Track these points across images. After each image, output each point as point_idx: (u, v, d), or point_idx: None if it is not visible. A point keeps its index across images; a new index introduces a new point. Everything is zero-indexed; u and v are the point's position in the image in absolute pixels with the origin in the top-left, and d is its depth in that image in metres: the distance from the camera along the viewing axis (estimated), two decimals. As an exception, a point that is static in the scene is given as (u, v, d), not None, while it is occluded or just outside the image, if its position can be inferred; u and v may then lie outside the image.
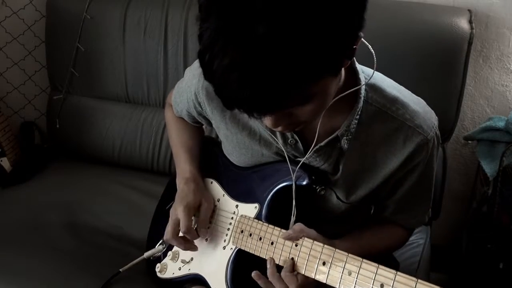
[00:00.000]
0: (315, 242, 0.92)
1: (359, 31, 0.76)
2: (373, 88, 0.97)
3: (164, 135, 1.78)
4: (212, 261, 1.10)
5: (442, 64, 1.48)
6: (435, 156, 1.03)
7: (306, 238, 0.94)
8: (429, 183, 1.08)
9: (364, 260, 0.84)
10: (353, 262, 0.85)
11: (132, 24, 1.73)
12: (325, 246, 0.90)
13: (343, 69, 0.90)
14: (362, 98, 0.95)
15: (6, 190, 1.73)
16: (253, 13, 0.66)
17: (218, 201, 1.15)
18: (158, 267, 1.21)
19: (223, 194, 1.14)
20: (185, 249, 1.10)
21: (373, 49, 0.89)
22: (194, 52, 1.69)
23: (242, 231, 1.05)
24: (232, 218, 1.09)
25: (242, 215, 1.08)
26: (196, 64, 1.12)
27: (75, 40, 1.77)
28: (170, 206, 1.26)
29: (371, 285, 0.81)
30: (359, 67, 0.95)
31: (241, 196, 1.11)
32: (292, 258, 0.94)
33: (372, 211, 1.13)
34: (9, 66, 1.95)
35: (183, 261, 1.16)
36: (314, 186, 1.00)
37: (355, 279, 0.83)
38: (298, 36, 0.67)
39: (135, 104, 1.84)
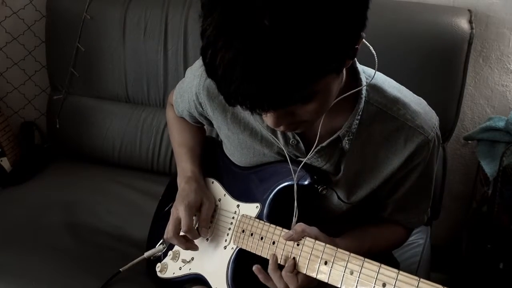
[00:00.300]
0: (316, 241, 0.92)
1: (362, 30, 0.76)
2: (374, 88, 0.97)
3: (164, 135, 1.78)
4: (213, 261, 1.10)
5: (442, 64, 1.48)
6: (435, 156, 1.03)
7: (307, 238, 0.93)
8: (429, 183, 1.08)
9: (366, 259, 0.84)
10: (355, 261, 0.85)
11: (132, 24, 1.73)
12: (327, 245, 0.90)
13: (344, 70, 0.91)
14: (363, 98, 0.95)
15: (6, 190, 1.73)
16: (258, 7, 0.66)
17: (219, 200, 1.15)
18: (158, 266, 1.21)
19: (224, 194, 1.14)
20: (186, 248, 1.10)
21: (373, 49, 0.89)
22: (194, 52, 1.69)
23: (243, 231, 1.05)
24: (233, 217, 1.09)
25: (243, 214, 1.07)
26: (197, 64, 1.12)
27: (75, 40, 1.77)
28: (171, 207, 1.27)
29: (373, 284, 0.81)
30: (360, 67, 0.95)
31: (242, 196, 1.11)
32: (294, 258, 0.94)
33: (372, 211, 1.14)
34: (9, 66, 1.94)
35: (183, 261, 1.16)
36: (316, 186, 1.00)
37: (357, 278, 0.83)
38: (303, 30, 0.67)
39: (135, 104, 1.84)
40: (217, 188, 1.17)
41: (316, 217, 1.02)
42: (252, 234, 1.03)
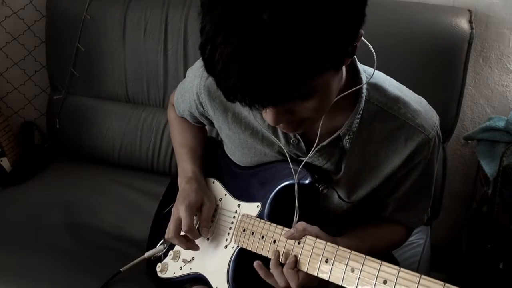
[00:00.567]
0: (317, 240, 0.92)
1: (360, 27, 0.76)
2: (374, 87, 0.97)
3: (164, 135, 1.78)
4: (213, 260, 1.10)
5: (442, 64, 1.49)
6: (436, 155, 1.03)
7: (308, 236, 0.94)
8: (429, 182, 1.08)
9: (367, 256, 0.84)
10: (356, 259, 0.85)
11: (132, 24, 1.73)
12: (328, 243, 0.90)
13: (344, 68, 0.91)
14: (364, 97, 0.95)
15: (6, 190, 1.73)
16: (257, 3, 0.67)
17: (220, 200, 1.15)
18: (159, 266, 1.21)
19: (225, 194, 1.14)
20: (187, 248, 1.10)
21: (373, 49, 0.89)
22: (194, 52, 1.70)
23: (244, 230, 1.05)
24: (234, 217, 1.09)
25: (244, 214, 1.07)
26: (197, 64, 1.12)
27: (75, 40, 1.77)
28: (171, 207, 1.26)
29: (375, 282, 0.81)
30: (360, 66, 0.95)
31: (243, 195, 1.11)
32: (295, 255, 0.94)
33: (372, 210, 1.14)
34: (9, 66, 1.94)
35: (184, 261, 1.16)
36: (317, 185, 1.00)
37: (358, 276, 0.83)
38: (301, 26, 0.67)
39: (135, 104, 1.84)
40: (218, 188, 1.17)
41: (317, 216, 1.02)
42: (253, 233, 1.03)
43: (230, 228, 1.09)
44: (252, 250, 1.02)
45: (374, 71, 0.93)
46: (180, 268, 1.17)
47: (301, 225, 0.96)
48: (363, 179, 1.02)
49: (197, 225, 1.10)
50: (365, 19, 0.76)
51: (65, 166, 1.86)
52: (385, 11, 1.51)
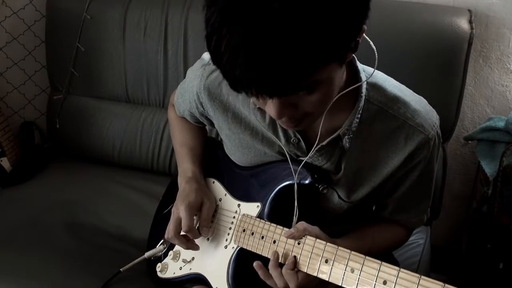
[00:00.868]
0: (317, 240, 0.92)
1: (364, 21, 0.77)
2: (374, 87, 0.97)
3: (164, 135, 1.78)
4: (213, 260, 1.10)
5: (442, 64, 1.49)
6: (436, 155, 1.03)
7: (308, 236, 0.94)
8: (429, 182, 1.08)
9: (367, 257, 0.84)
10: (356, 260, 0.85)
11: (132, 24, 1.73)
12: (328, 244, 0.90)
13: (345, 67, 0.91)
14: (364, 97, 0.95)
15: (6, 190, 1.73)
16: None
17: (220, 200, 1.15)
18: (159, 266, 1.21)
19: (225, 194, 1.14)
20: (187, 248, 1.10)
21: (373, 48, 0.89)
22: (194, 52, 1.70)
23: (244, 230, 1.05)
24: (234, 217, 1.09)
25: (244, 214, 1.07)
26: (197, 64, 1.12)
27: (75, 40, 1.77)
28: (171, 207, 1.26)
29: (374, 282, 0.81)
30: (360, 66, 0.95)
31: (243, 195, 1.11)
32: (295, 256, 0.94)
33: (372, 211, 1.14)
34: (9, 66, 1.95)
35: (184, 261, 1.16)
36: (317, 185, 1.00)
37: (358, 276, 0.83)
38: (310, 15, 0.68)
39: (135, 104, 1.84)
40: (218, 188, 1.17)
41: (316, 217, 1.02)
42: (253, 234, 1.03)
43: (230, 228, 1.09)
44: (252, 250, 1.02)
45: (374, 69, 0.93)
46: (180, 268, 1.17)
47: (302, 225, 0.96)
48: (363, 178, 1.02)
49: (197, 225, 1.10)
50: (368, 14, 0.76)
51: (65, 166, 1.86)
52: (385, 11, 1.51)
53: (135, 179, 1.77)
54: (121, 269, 1.26)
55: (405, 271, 0.78)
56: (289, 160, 1.00)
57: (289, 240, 0.96)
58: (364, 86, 0.95)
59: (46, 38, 1.86)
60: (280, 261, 0.96)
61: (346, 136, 0.96)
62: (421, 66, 1.49)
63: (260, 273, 0.97)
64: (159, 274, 1.21)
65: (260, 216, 1.05)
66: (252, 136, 1.06)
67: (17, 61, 1.95)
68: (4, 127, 1.81)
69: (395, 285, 0.78)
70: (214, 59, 0.74)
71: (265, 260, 0.98)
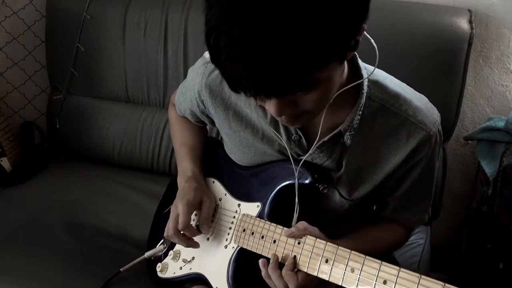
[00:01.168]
0: (317, 240, 0.92)
1: (364, 20, 0.77)
2: (376, 84, 0.97)
3: (164, 135, 1.78)
4: (213, 260, 1.10)
5: (442, 64, 1.49)
6: (437, 152, 1.03)
7: (308, 236, 0.93)
8: (430, 180, 1.08)
9: (367, 257, 0.84)
10: (356, 259, 0.85)
11: (132, 24, 1.73)
12: (328, 243, 0.90)
13: (346, 64, 0.91)
14: (365, 93, 0.95)
15: (6, 190, 1.73)
16: None
17: (220, 200, 1.15)
18: (159, 266, 1.21)
19: (225, 193, 1.14)
20: (187, 246, 1.10)
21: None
22: (194, 52, 1.70)
23: (244, 230, 1.05)
24: (234, 217, 1.09)
25: (244, 214, 1.07)
26: (199, 63, 1.13)
27: (75, 40, 1.77)
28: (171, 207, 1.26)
29: (374, 282, 0.81)
30: (362, 64, 0.96)
31: (243, 195, 1.11)
32: (295, 256, 0.94)
33: (373, 210, 1.14)
34: (9, 66, 1.95)
35: (184, 261, 1.16)
36: (317, 184, 1.00)
37: (358, 276, 0.83)
38: (309, 15, 0.68)
39: (135, 104, 1.84)
40: (218, 188, 1.17)
41: (317, 217, 1.02)
42: (253, 233, 1.03)
43: (230, 228, 1.09)
44: (252, 250, 1.02)
45: (375, 65, 0.93)
46: (180, 268, 1.17)
47: (302, 224, 0.96)
48: (364, 176, 1.02)
49: (197, 223, 1.10)
50: (368, 15, 0.76)
51: (65, 166, 1.86)
52: (385, 11, 1.51)
53: (135, 179, 1.77)
54: (121, 269, 1.26)
55: (406, 270, 0.78)
56: (291, 159, 1.00)
57: (289, 240, 0.96)
58: (366, 83, 0.95)
59: (46, 38, 1.86)
60: (280, 261, 0.96)
61: (348, 133, 0.96)
62: (421, 66, 1.49)
63: (263, 271, 0.97)
64: (159, 274, 1.21)
65: (260, 216, 1.05)
66: (253, 135, 1.06)
67: (17, 61, 1.95)
68: (4, 127, 1.81)
69: (395, 284, 0.78)
70: (213, 58, 0.74)
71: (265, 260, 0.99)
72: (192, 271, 1.15)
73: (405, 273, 0.78)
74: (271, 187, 1.05)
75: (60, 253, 1.40)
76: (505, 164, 1.42)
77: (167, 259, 1.20)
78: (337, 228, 1.05)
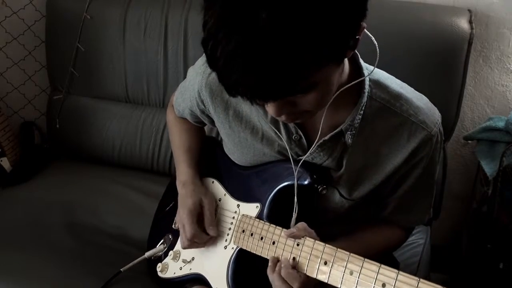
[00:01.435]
0: (316, 241, 0.92)
1: (362, 19, 0.76)
2: (377, 84, 0.97)
3: (164, 135, 1.78)
4: (213, 261, 1.10)
5: (442, 64, 1.49)
6: (438, 153, 1.03)
7: (307, 238, 0.93)
8: (431, 180, 1.08)
9: (366, 259, 0.84)
10: (355, 262, 0.85)
11: (132, 24, 1.73)
12: (327, 245, 0.90)
13: (347, 64, 0.92)
14: (366, 93, 0.95)
15: (6, 190, 1.73)
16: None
17: (220, 200, 1.15)
18: (159, 266, 1.21)
19: (224, 194, 1.14)
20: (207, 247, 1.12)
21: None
22: (194, 52, 1.69)
23: (243, 231, 1.05)
24: (233, 217, 1.09)
25: (243, 214, 1.07)
26: (199, 62, 1.12)
27: (75, 40, 1.77)
28: (171, 206, 1.27)
29: (373, 285, 0.81)
30: (363, 64, 0.96)
31: (242, 195, 1.11)
32: (294, 258, 0.94)
33: (373, 210, 1.13)
34: (9, 66, 1.94)
35: (184, 261, 1.17)
36: (316, 185, 1.00)
37: (357, 279, 0.83)
38: (300, 21, 0.68)
39: (135, 104, 1.84)
40: (217, 188, 1.17)
41: (316, 218, 1.02)
42: (252, 234, 1.03)
43: (230, 229, 1.09)
44: (251, 251, 1.02)
45: (376, 63, 0.93)
46: (180, 268, 1.17)
47: (302, 224, 0.96)
48: (365, 175, 1.02)
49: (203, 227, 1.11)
50: (366, 13, 0.76)
51: (65, 166, 1.86)
52: (385, 11, 1.51)
53: (135, 179, 1.77)
54: (121, 269, 1.26)
55: (404, 273, 0.78)
56: (291, 159, 1.00)
57: (288, 241, 0.96)
58: (367, 83, 0.95)
59: (46, 38, 1.86)
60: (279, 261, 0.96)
61: (349, 132, 0.96)
62: (421, 66, 1.49)
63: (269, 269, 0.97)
64: (159, 274, 1.21)
65: (259, 216, 1.05)
66: (252, 135, 1.06)
67: (17, 61, 1.95)
68: (4, 127, 1.81)
69: (393, 287, 0.78)
70: (210, 63, 0.75)
71: (265, 261, 0.98)
72: (192, 271, 1.15)
73: (403, 276, 0.78)
74: (270, 188, 1.05)
75: (60, 253, 1.40)
76: (505, 164, 1.42)
77: (167, 259, 1.21)
78: (338, 229, 1.05)
